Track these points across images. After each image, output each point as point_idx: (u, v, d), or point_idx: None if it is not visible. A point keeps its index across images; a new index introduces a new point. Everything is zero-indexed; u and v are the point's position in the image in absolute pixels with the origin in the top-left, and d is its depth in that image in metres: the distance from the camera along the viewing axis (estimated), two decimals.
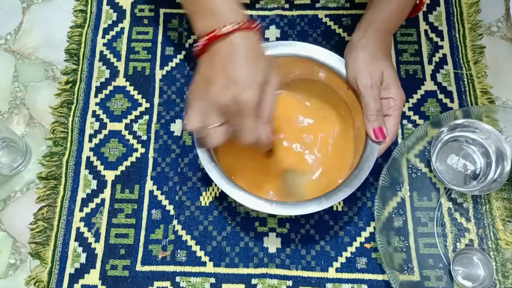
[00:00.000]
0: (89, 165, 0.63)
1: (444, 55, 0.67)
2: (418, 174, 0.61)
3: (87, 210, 0.61)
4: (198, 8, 0.46)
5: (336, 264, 0.58)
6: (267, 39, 0.69)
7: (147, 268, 0.58)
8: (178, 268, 0.58)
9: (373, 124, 0.52)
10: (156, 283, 0.58)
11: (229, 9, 0.45)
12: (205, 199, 0.61)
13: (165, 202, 0.61)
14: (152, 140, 0.64)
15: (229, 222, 0.60)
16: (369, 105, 0.52)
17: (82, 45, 0.70)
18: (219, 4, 0.45)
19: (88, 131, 0.65)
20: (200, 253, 0.59)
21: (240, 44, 0.44)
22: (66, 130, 0.65)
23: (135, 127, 0.65)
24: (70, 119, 0.66)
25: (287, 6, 0.71)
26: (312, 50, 0.57)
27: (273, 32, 0.69)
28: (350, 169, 0.56)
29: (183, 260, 0.58)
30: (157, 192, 0.62)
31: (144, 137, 0.64)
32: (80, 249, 0.59)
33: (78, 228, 0.60)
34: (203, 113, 0.46)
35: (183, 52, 0.69)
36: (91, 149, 0.64)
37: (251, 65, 0.44)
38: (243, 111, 0.44)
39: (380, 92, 0.53)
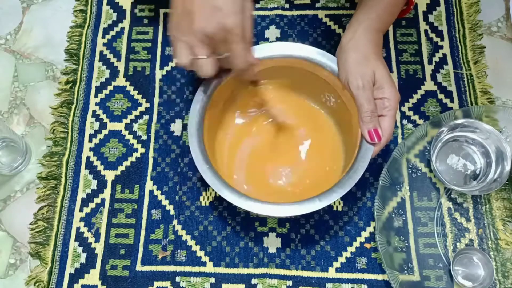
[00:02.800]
0: (89, 165, 0.63)
1: (444, 55, 0.67)
2: (418, 174, 0.61)
3: (87, 210, 0.61)
4: None
5: (336, 264, 0.58)
6: (267, 39, 0.69)
7: (147, 268, 0.58)
8: (178, 268, 0.58)
9: (368, 126, 0.52)
10: (156, 283, 0.58)
11: None
12: (205, 199, 0.61)
13: (165, 202, 0.61)
14: (152, 140, 0.64)
15: (229, 222, 0.60)
16: (363, 106, 0.52)
17: (82, 45, 0.70)
18: None
19: (88, 131, 0.65)
20: (200, 253, 0.59)
21: None
22: (66, 130, 0.65)
23: (135, 127, 0.65)
24: (70, 119, 0.66)
25: (287, 6, 0.71)
26: (306, 50, 0.57)
27: (273, 32, 0.69)
28: (343, 171, 0.56)
29: (183, 260, 0.58)
30: (157, 192, 0.62)
31: (144, 137, 0.64)
32: (80, 249, 0.59)
33: (78, 228, 0.60)
34: (190, 45, 0.46)
35: None
36: (91, 149, 0.64)
37: None
38: (231, 37, 0.45)
39: (374, 92, 0.52)
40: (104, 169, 0.63)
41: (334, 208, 0.60)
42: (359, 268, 0.58)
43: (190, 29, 0.45)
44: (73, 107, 0.66)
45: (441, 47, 0.68)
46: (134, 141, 0.64)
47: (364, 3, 0.56)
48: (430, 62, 0.67)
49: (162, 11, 0.71)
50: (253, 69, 0.50)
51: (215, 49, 0.47)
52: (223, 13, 0.44)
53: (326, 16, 0.70)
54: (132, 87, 0.67)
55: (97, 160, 0.63)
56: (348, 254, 0.58)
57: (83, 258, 0.59)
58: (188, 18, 0.45)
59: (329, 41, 0.69)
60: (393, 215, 0.59)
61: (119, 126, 0.65)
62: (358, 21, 0.55)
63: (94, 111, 0.66)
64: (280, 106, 0.62)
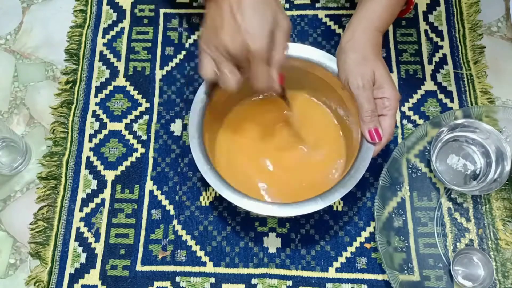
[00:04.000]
0: (89, 165, 0.63)
1: (444, 55, 0.67)
2: (418, 174, 0.61)
3: (87, 210, 0.61)
4: None
5: (336, 264, 0.58)
6: None
7: (147, 268, 0.58)
8: (178, 268, 0.58)
9: (368, 126, 0.52)
10: (156, 283, 0.58)
11: None
12: (205, 199, 0.61)
13: (165, 202, 0.61)
14: (152, 140, 0.64)
15: (229, 222, 0.60)
16: (363, 106, 0.52)
17: (82, 45, 0.70)
18: None
19: (88, 131, 0.65)
20: (200, 253, 0.59)
21: None
22: (66, 130, 0.65)
23: (135, 127, 0.65)
24: (70, 119, 0.66)
25: (287, 6, 0.71)
26: (306, 50, 0.57)
27: None
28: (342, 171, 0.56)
29: (183, 260, 0.58)
30: (157, 192, 0.62)
31: (144, 137, 0.64)
32: (80, 249, 0.59)
33: (78, 228, 0.60)
34: (215, 59, 0.47)
35: (183, 52, 0.69)
36: (91, 149, 0.64)
37: (258, 12, 0.45)
38: (253, 58, 0.46)
39: (374, 92, 0.52)
40: (104, 169, 0.63)
41: (334, 208, 0.60)
42: (359, 268, 0.58)
43: (216, 44, 0.47)
44: (73, 107, 0.66)
45: (441, 47, 0.68)
46: (134, 141, 0.64)
47: (363, 3, 0.56)
48: (430, 62, 0.67)
49: (162, 11, 0.71)
50: (274, 90, 0.50)
51: (239, 65, 0.48)
52: (248, 35, 0.45)
53: (326, 16, 0.70)
54: (132, 87, 0.67)
55: (97, 160, 0.63)
56: (348, 254, 0.58)
57: (83, 258, 0.59)
58: (215, 33, 0.46)
59: (329, 41, 0.69)
60: (393, 215, 0.59)
61: (119, 126, 0.65)
62: (358, 21, 0.55)
63: (94, 111, 0.66)
64: (281, 106, 0.63)
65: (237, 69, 0.48)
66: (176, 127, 0.65)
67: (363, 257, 0.58)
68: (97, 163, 0.63)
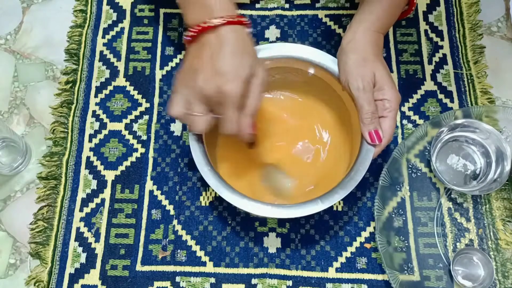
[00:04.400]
0: (89, 165, 0.63)
1: (444, 55, 0.67)
2: (418, 174, 0.61)
3: (87, 210, 0.61)
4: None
5: (336, 264, 0.58)
6: (267, 39, 0.69)
7: (147, 268, 0.58)
8: (178, 268, 0.58)
9: (369, 127, 0.52)
10: (156, 283, 0.58)
11: (221, 3, 0.46)
12: (205, 199, 0.61)
13: (165, 202, 0.61)
14: (152, 140, 0.64)
15: (229, 222, 0.60)
16: (363, 108, 0.52)
17: (82, 45, 0.70)
18: None
19: (88, 131, 0.65)
20: (200, 253, 0.59)
21: (228, 37, 0.45)
22: (66, 130, 0.65)
23: (135, 127, 0.65)
24: (70, 119, 0.66)
25: (287, 6, 0.71)
26: (305, 51, 0.57)
27: (273, 32, 0.69)
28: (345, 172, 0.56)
29: (183, 260, 0.58)
30: (157, 192, 0.62)
31: (144, 137, 0.64)
32: (80, 249, 0.59)
33: (78, 228, 0.60)
34: (187, 100, 0.47)
35: (183, 52, 0.69)
36: (91, 149, 0.64)
37: (237, 59, 0.45)
38: (225, 102, 0.45)
39: (374, 93, 0.52)
40: (104, 169, 0.63)
41: (334, 208, 0.60)
42: (359, 268, 0.58)
43: (191, 85, 0.46)
44: (73, 107, 0.66)
45: (441, 47, 0.68)
46: (134, 141, 0.64)
47: (364, 4, 0.56)
48: (430, 62, 0.67)
49: (162, 11, 0.71)
50: (245, 136, 0.49)
51: (212, 109, 0.47)
52: (223, 78, 0.45)
53: (326, 16, 0.70)
54: (132, 87, 0.67)
55: (97, 160, 0.63)
56: (348, 254, 0.58)
57: (83, 258, 0.59)
58: (192, 74, 0.46)
59: (329, 41, 0.69)
60: (393, 215, 0.59)
61: (119, 126, 0.65)
62: (358, 22, 0.55)
63: (94, 111, 0.66)
64: (281, 106, 0.63)
65: (207, 114, 0.48)
66: (176, 127, 0.65)
67: (363, 257, 0.58)
68: (97, 163, 0.63)
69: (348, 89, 0.53)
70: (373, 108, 0.52)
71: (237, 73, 0.45)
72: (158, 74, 0.68)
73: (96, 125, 0.65)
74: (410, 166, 0.61)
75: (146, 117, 0.65)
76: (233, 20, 0.45)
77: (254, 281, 0.57)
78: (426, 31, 0.69)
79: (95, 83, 0.68)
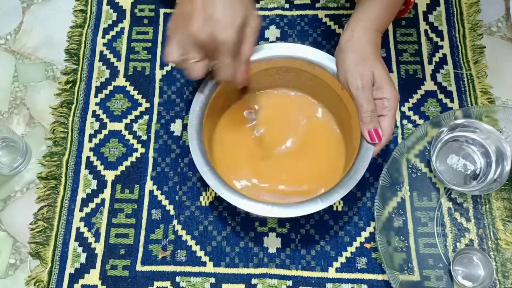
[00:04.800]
0: (89, 165, 0.63)
1: (444, 55, 0.67)
2: (418, 174, 0.61)
3: (87, 210, 0.61)
4: None
5: (336, 264, 0.58)
6: (267, 39, 0.69)
7: (147, 268, 0.58)
8: (178, 268, 0.58)
9: (368, 126, 0.52)
10: (156, 283, 0.58)
11: None
12: (205, 199, 0.61)
13: (165, 202, 0.61)
14: (152, 140, 0.64)
15: (229, 222, 0.60)
16: (362, 107, 0.52)
17: (82, 45, 0.70)
18: None
19: (88, 131, 0.65)
20: (200, 253, 0.59)
21: None
22: (66, 130, 0.65)
23: (135, 127, 0.65)
24: (70, 119, 0.66)
25: (287, 6, 0.71)
26: (304, 50, 0.57)
27: (273, 32, 0.69)
28: (343, 171, 0.56)
29: (183, 260, 0.58)
30: (157, 192, 0.62)
31: (144, 137, 0.64)
32: (80, 249, 0.59)
33: (78, 228, 0.60)
34: (183, 46, 0.47)
35: None
36: (91, 149, 0.64)
37: (230, 7, 0.46)
38: (220, 49, 0.46)
39: (373, 92, 0.52)
40: (104, 169, 0.63)
41: (334, 208, 0.60)
42: (359, 268, 0.58)
43: (185, 31, 0.46)
44: (73, 107, 0.66)
45: (441, 47, 0.68)
46: (134, 141, 0.64)
47: (362, 3, 0.56)
48: (430, 62, 0.67)
49: (162, 11, 0.71)
50: (239, 82, 0.51)
51: (207, 54, 0.48)
52: (218, 25, 0.45)
53: (326, 16, 0.70)
54: (132, 87, 0.67)
55: (97, 160, 0.63)
56: (348, 254, 0.58)
57: (83, 258, 0.59)
58: (185, 20, 0.46)
59: (329, 41, 0.69)
60: (393, 215, 0.59)
61: (119, 126, 0.65)
62: (356, 21, 0.55)
63: (94, 111, 0.66)
64: (280, 106, 0.63)
65: (203, 60, 0.48)
66: (176, 127, 0.65)
67: (363, 257, 0.58)
68: (97, 163, 0.63)
69: (348, 88, 0.53)
70: (373, 107, 0.52)
71: (230, 21, 0.45)
72: (158, 74, 0.68)
73: (96, 125, 0.65)
74: (410, 166, 0.61)
75: (146, 117, 0.65)
76: None
77: (254, 281, 0.57)
78: (426, 31, 0.69)
79: (95, 83, 0.68)
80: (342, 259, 0.58)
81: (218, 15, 0.45)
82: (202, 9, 0.45)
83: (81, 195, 0.62)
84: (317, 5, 0.71)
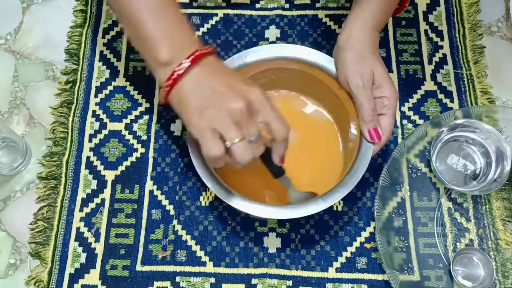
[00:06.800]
0: (89, 165, 0.63)
1: (444, 55, 0.67)
2: (418, 174, 0.61)
3: (87, 210, 0.61)
4: (150, 56, 0.46)
5: (336, 264, 0.58)
6: (267, 39, 0.69)
7: (147, 268, 0.58)
8: (178, 268, 0.58)
9: (368, 125, 0.52)
10: (156, 283, 0.58)
11: (177, 44, 0.45)
12: (205, 199, 0.61)
13: (165, 202, 0.61)
14: (152, 140, 0.64)
15: (229, 222, 0.60)
16: (363, 106, 0.52)
17: (82, 45, 0.70)
18: (166, 44, 0.45)
19: (88, 131, 0.65)
20: (200, 253, 0.59)
21: (213, 64, 0.45)
22: (66, 130, 0.65)
23: (135, 127, 0.65)
24: (70, 119, 0.66)
25: (287, 6, 0.71)
26: (301, 51, 0.57)
27: (273, 32, 0.69)
28: (342, 172, 0.56)
29: (183, 260, 0.58)
30: (157, 192, 0.62)
31: (144, 137, 0.64)
32: (80, 249, 0.59)
33: (78, 228, 0.60)
34: (219, 133, 0.43)
35: None
36: (91, 149, 0.64)
37: (234, 77, 0.45)
38: (262, 109, 0.44)
39: (373, 91, 0.52)
40: (104, 169, 0.63)
41: (334, 208, 0.60)
42: (359, 268, 0.58)
43: (219, 111, 0.43)
44: (73, 107, 0.66)
45: (441, 47, 0.68)
46: (134, 141, 0.64)
47: (358, 2, 0.56)
48: (430, 62, 0.67)
49: None
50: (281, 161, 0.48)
51: (246, 131, 0.43)
52: (244, 87, 0.44)
53: (326, 16, 0.70)
54: (132, 87, 0.67)
55: (97, 160, 0.63)
56: (348, 254, 0.58)
57: (83, 258, 0.59)
58: (211, 102, 0.43)
59: (329, 41, 0.68)
60: (393, 215, 0.59)
61: (119, 126, 0.65)
62: (353, 20, 0.55)
63: (94, 111, 0.66)
64: (278, 104, 0.63)
65: (244, 139, 0.43)
66: (176, 127, 0.65)
67: (363, 257, 0.58)
68: (97, 163, 0.63)
69: (348, 87, 0.53)
70: (373, 105, 0.52)
71: (249, 84, 0.45)
72: None
73: (96, 125, 0.65)
74: (410, 166, 0.61)
75: (146, 117, 0.65)
76: (198, 54, 0.44)
77: (254, 281, 0.57)
78: (426, 31, 0.69)
79: (95, 83, 0.68)
80: (342, 259, 0.58)
81: (238, 82, 0.44)
82: (222, 80, 0.44)
83: (81, 195, 0.62)
84: (317, 5, 0.71)
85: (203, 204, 0.61)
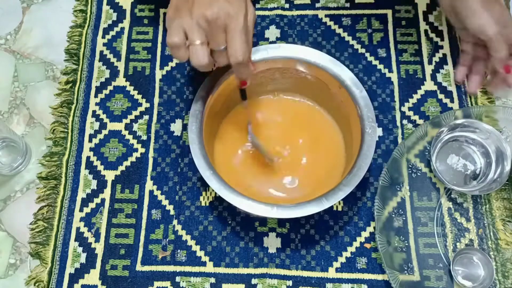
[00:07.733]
0: (89, 165, 0.63)
1: (444, 55, 0.67)
2: (418, 174, 0.61)
3: (87, 210, 0.61)
4: None
5: (336, 264, 0.58)
6: (267, 39, 0.69)
7: (147, 268, 0.58)
8: (178, 268, 0.58)
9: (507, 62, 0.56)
10: (156, 283, 0.58)
11: None
12: (205, 199, 0.61)
13: (165, 202, 0.61)
14: (152, 140, 0.64)
15: (229, 222, 0.60)
16: (501, 49, 0.56)
17: (82, 45, 0.70)
18: None
19: (88, 131, 0.65)
20: (200, 253, 0.59)
21: None
22: (66, 130, 0.65)
23: (135, 127, 0.65)
24: (70, 119, 0.66)
25: (287, 6, 0.71)
26: (302, 51, 0.57)
27: (273, 32, 0.69)
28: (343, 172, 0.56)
29: (183, 260, 0.58)
30: (157, 192, 0.62)
31: (144, 137, 0.64)
32: (80, 249, 0.59)
33: (78, 228, 0.60)
34: (185, 29, 0.45)
35: None
36: (91, 149, 0.64)
37: None
38: (232, 25, 0.44)
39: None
40: (104, 169, 0.63)
41: (334, 208, 0.60)
42: (359, 268, 0.58)
43: (189, 12, 0.44)
44: (73, 107, 0.66)
45: (441, 47, 0.68)
46: (134, 141, 0.64)
47: None
48: (430, 62, 0.67)
49: (162, 11, 0.71)
50: (250, 67, 0.49)
51: (211, 39, 0.45)
52: (225, 3, 0.43)
53: (326, 16, 0.70)
54: (132, 87, 0.67)
55: (97, 160, 0.63)
56: (348, 254, 0.58)
57: (83, 258, 0.59)
58: (188, 2, 0.45)
59: (329, 41, 0.68)
60: (393, 215, 0.59)
61: (119, 126, 0.65)
62: None
63: (94, 111, 0.66)
64: (278, 106, 0.63)
65: (206, 44, 0.45)
66: (176, 127, 0.65)
67: (363, 257, 0.58)
68: (97, 163, 0.63)
69: (479, 31, 0.55)
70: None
71: (239, 2, 0.44)
72: (158, 74, 0.68)
73: (96, 125, 0.65)
74: (410, 166, 0.61)
75: (146, 117, 0.65)
76: None
77: (254, 281, 0.57)
78: (426, 31, 0.69)
79: (95, 83, 0.68)
80: (342, 259, 0.58)
81: None
82: None
83: (81, 195, 0.62)
84: (317, 5, 0.71)
85: (203, 204, 0.61)
